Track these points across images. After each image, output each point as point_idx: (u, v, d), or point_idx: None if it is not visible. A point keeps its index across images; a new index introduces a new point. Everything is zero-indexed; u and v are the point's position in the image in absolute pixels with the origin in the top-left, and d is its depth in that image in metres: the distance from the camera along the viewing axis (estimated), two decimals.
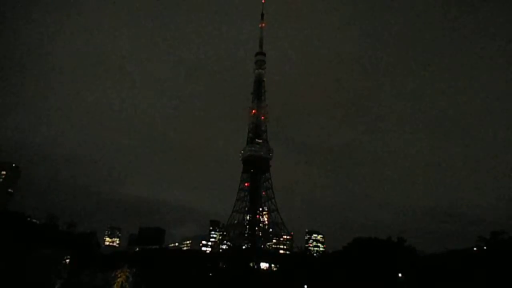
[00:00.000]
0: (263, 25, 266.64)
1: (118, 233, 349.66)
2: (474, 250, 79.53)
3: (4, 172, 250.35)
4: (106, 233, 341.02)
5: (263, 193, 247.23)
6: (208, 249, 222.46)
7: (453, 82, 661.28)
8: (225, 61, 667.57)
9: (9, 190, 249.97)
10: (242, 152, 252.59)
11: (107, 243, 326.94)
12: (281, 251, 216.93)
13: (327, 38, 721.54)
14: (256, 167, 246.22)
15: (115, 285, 76.91)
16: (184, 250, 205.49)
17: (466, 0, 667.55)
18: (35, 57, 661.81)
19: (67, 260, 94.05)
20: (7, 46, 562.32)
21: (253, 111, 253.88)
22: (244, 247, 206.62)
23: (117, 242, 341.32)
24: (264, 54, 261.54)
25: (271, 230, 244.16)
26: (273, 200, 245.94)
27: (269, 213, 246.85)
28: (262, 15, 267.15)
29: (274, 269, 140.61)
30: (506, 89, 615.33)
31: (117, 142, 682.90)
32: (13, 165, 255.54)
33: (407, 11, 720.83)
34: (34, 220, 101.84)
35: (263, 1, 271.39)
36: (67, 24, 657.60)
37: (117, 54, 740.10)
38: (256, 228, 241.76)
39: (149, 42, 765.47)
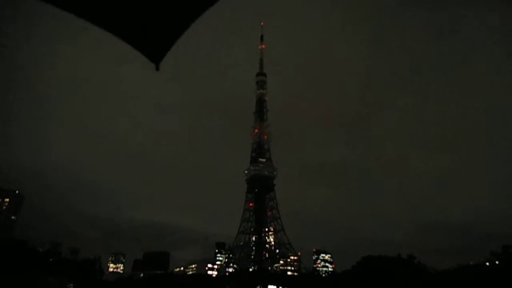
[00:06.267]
0: (263, 46, 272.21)
1: (122, 258, 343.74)
2: (487, 265, 77.64)
3: (7, 200, 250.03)
4: (110, 259, 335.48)
5: (268, 213, 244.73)
6: (214, 273, 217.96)
7: (454, 96, 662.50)
8: (226, 82, 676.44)
9: (12, 217, 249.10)
10: (246, 172, 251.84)
11: (111, 269, 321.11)
12: (289, 273, 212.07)
13: (328, 57, 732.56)
14: (260, 187, 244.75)
15: None
16: (190, 274, 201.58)
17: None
18: (36, 81, 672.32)
19: None
20: (7, 71, 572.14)
21: (256, 130, 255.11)
22: (250, 269, 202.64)
23: (121, 268, 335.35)
24: (265, 75, 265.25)
25: (277, 251, 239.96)
26: (278, 220, 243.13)
27: (275, 233, 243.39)
28: (262, 37, 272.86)
29: None
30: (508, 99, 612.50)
31: (120, 167, 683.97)
32: (16, 191, 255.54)
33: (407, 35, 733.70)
34: (38, 248, 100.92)
35: (262, 23, 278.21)
36: (65, 48, 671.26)
37: (121, 80, 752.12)
38: (263, 250, 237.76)
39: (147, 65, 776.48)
